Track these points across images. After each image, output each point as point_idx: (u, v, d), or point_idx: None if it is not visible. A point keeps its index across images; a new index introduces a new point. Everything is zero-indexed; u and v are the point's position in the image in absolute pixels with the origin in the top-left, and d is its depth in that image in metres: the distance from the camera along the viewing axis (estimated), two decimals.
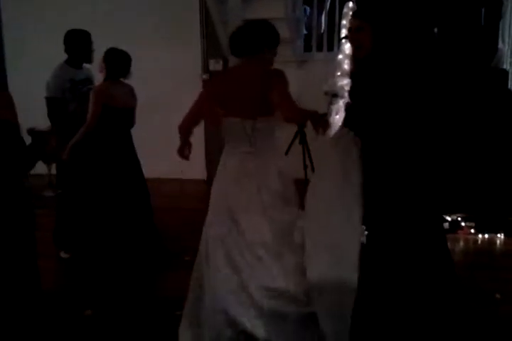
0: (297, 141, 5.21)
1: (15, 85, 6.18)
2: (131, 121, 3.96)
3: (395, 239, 2.57)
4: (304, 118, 2.69)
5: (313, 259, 2.53)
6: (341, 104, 4.46)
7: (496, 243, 4.32)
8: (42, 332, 2.96)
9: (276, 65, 2.73)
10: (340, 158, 2.59)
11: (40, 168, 3.36)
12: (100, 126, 3.76)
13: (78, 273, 3.84)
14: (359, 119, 2.62)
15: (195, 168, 5.99)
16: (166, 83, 5.86)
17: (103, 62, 3.78)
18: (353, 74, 2.81)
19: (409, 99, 2.55)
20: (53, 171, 3.89)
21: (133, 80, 3.88)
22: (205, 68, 5.98)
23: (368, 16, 2.59)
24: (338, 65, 4.83)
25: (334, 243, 2.51)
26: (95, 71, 3.98)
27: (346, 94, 4.26)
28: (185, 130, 2.82)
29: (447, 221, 4.43)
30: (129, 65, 3.81)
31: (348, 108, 2.88)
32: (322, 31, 6.18)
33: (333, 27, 5.85)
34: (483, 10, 5.80)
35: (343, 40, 5.20)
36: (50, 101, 3.89)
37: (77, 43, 3.91)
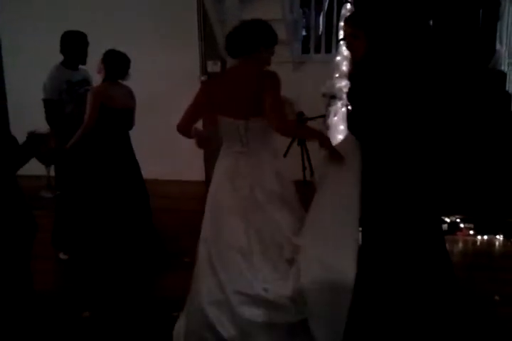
0: (296, 142, 5.20)
1: (13, 87, 6.21)
2: (130, 123, 3.96)
3: (394, 241, 2.57)
4: (295, 135, 2.70)
5: (307, 259, 2.52)
6: (339, 105, 4.46)
7: (494, 244, 4.32)
8: (40, 334, 2.96)
9: (273, 67, 2.73)
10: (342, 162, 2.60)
11: (39, 169, 3.34)
12: (99, 128, 3.76)
13: (77, 275, 3.84)
14: (358, 121, 2.62)
15: (194, 170, 6.00)
16: (164, 84, 5.86)
17: (102, 64, 3.78)
18: (351, 76, 2.81)
19: (407, 100, 2.56)
20: (52, 173, 3.87)
21: (131, 81, 3.88)
22: (204, 70, 5.98)
23: (361, 23, 2.59)
24: (336, 66, 4.82)
25: (331, 242, 2.51)
26: (93, 72, 3.97)
27: (344, 96, 4.27)
28: (184, 129, 2.80)
29: (446, 222, 4.43)
30: (128, 67, 3.81)
31: (349, 114, 2.88)
32: (320, 33, 6.18)
33: (331, 28, 5.85)
34: (481, 11, 5.82)
35: (341, 42, 5.20)
36: (47, 103, 3.89)
37: (74, 45, 3.90)
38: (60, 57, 3.97)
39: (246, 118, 2.63)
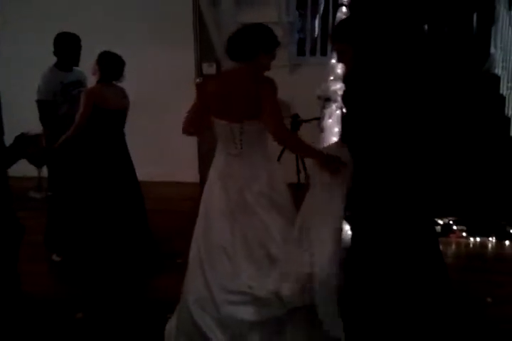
0: None
1: (6, 87, 6.18)
2: (123, 123, 3.96)
3: (388, 243, 2.57)
4: (288, 144, 2.73)
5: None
6: (334, 108, 4.47)
7: (487, 246, 4.34)
8: (33, 335, 2.95)
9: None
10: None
11: (31, 170, 3.34)
12: (93, 128, 3.76)
13: (70, 276, 3.83)
14: (353, 124, 2.63)
15: (188, 171, 6.00)
16: (159, 86, 5.86)
17: (96, 65, 3.78)
18: (345, 79, 2.82)
19: (401, 103, 2.57)
20: (44, 174, 3.87)
21: (126, 83, 3.89)
22: (199, 72, 5.99)
23: (346, 39, 2.59)
24: (331, 69, 4.84)
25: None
26: (88, 73, 3.98)
27: (339, 99, 4.28)
28: (189, 131, 2.78)
29: (439, 224, 4.44)
30: (123, 68, 3.82)
31: (343, 116, 2.89)
32: (316, 35, 6.20)
33: (327, 31, 5.87)
34: (475, 15, 5.86)
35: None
36: (40, 104, 3.90)
37: (67, 46, 3.91)
38: (55, 59, 3.97)
39: (241, 121, 2.63)
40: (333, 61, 4.83)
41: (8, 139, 2.55)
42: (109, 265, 3.78)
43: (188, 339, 2.68)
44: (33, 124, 3.73)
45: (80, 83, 4.02)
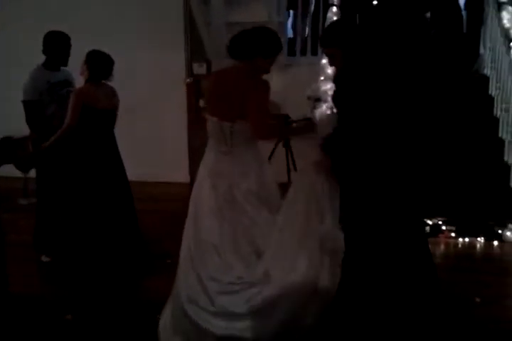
0: (282, 144, 5.19)
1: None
2: (114, 123, 3.94)
3: (378, 243, 2.58)
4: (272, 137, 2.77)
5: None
6: (324, 108, 4.48)
7: (476, 246, 4.36)
8: (21, 337, 2.93)
9: None
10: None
11: (17, 171, 3.30)
12: (83, 128, 3.73)
13: (59, 277, 3.81)
14: (343, 124, 2.64)
15: (178, 172, 5.98)
16: (149, 86, 5.85)
17: (85, 64, 3.75)
18: (336, 79, 2.83)
19: (392, 103, 2.58)
20: (31, 174, 3.82)
21: (116, 83, 3.86)
22: (189, 72, 5.98)
23: (336, 43, 2.60)
24: (321, 69, 4.85)
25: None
26: (76, 73, 3.94)
27: (329, 99, 4.28)
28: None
29: (428, 224, 4.46)
30: (111, 67, 3.79)
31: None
32: (306, 35, 6.20)
33: (317, 31, 5.87)
34: (465, 15, 5.89)
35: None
36: (26, 104, 3.82)
37: (56, 45, 3.87)
38: (43, 58, 3.93)
39: (232, 120, 2.65)
40: (324, 61, 4.85)
41: None
42: (98, 266, 3.76)
43: (184, 337, 2.68)
44: (22, 126, 3.71)
45: (68, 83, 3.98)
